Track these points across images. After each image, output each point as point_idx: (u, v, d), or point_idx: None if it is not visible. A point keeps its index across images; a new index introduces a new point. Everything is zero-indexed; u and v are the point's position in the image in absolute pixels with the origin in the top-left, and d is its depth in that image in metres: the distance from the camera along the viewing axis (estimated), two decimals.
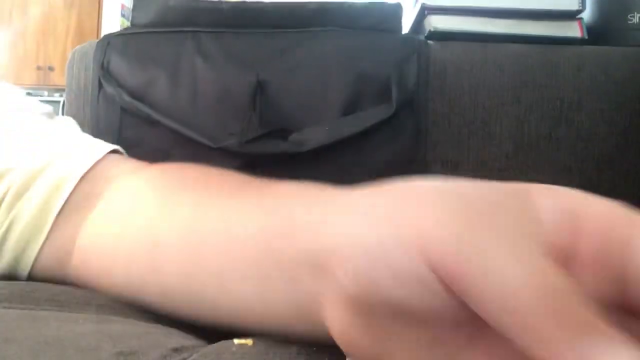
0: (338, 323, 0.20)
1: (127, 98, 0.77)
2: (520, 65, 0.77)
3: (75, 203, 0.34)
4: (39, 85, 4.01)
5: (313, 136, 0.73)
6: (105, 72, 0.80)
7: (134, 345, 0.28)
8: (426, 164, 0.75)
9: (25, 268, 0.35)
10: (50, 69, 3.97)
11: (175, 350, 0.29)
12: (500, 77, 0.77)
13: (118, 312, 0.36)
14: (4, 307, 0.34)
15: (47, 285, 0.40)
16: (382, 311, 0.17)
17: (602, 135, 0.74)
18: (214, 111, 0.76)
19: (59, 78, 3.68)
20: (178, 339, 0.31)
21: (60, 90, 3.55)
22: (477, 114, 0.76)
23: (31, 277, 0.37)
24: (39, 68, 4.00)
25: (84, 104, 0.83)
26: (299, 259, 0.22)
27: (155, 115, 0.75)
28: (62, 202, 0.34)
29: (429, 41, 0.80)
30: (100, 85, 0.81)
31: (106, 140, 0.78)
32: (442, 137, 0.76)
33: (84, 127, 0.85)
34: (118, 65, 0.80)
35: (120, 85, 0.79)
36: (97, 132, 0.80)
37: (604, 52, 0.78)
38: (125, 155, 0.44)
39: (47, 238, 0.34)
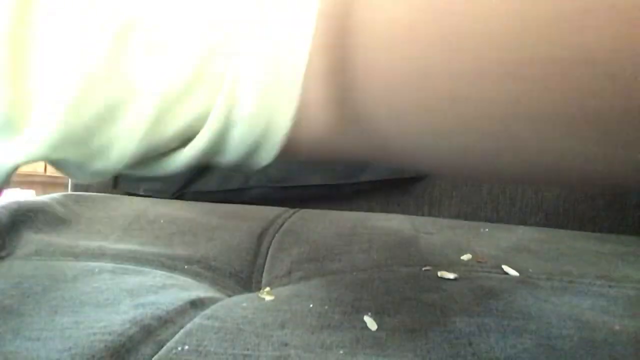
0: None
1: None
2: None
3: None
4: None
5: None
6: None
7: (152, 299, 0.28)
8: None
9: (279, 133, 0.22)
10: None
11: (193, 303, 0.29)
12: None
13: (133, 262, 0.36)
14: (21, 259, 0.35)
15: (62, 238, 0.41)
16: None
17: None
18: None
19: None
20: (197, 292, 0.32)
21: None
22: None
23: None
24: None
25: None
26: None
27: None
28: None
29: None
30: None
31: None
32: None
33: None
34: None
35: None
36: None
37: None
38: None
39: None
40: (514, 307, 0.29)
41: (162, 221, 0.46)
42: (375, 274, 0.33)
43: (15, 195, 1.11)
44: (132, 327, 0.24)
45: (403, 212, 0.69)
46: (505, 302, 0.30)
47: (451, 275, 0.34)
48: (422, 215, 0.71)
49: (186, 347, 0.23)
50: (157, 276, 0.33)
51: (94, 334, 0.23)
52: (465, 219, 0.68)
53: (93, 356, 0.22)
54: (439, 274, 0.34)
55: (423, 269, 0.36)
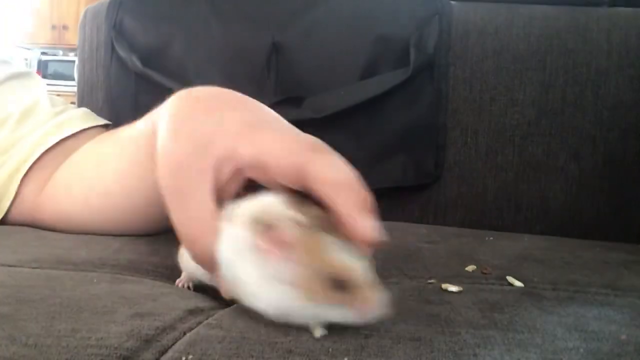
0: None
1: (139, 65, 0.75)
2: (548, 28, 0.73)
3: (41, 167, 0.49)
4: (54, 44, 3.99)
5: (329, 102, 0.71)
6: (117, 33, 0.78)
7: (150, 307, 0.28)
8: (444, 130, 0.73)
9: None
10: (65, 28, 3.94)
11: (191, 312, 0.29)
12: (525, 40, 0.73)
13: (132, 272, 0.36)
14: (19, 267, 0.35)
15: (63, 248, 0.40)
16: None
17: (629, 104, 0.71)
18: (228, 76, 0.75)
19: (74, 37, 3.65)
20: (195, 300, 0.31)
21: (74, 50, 3.51)
22: (500, 79, 0.73)
23: (4, 223, 0.49)
24: (53, 27, 3.97)
25: (96, 66, 0.81)
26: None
27: (168, 83, 0.73)
28: (27, 166, 0.49)
29: (452, 1, 0.77)
30: (112, 47, 0.79)
31: (121, 106, 0.78)
32: (462, 102, 0.73)
33: (96, 90, 0.86)
34: (131, 25, 0.78)
35: (133, 48, 0.76)
36: (110, 96, 0.75)
37: (637, 14, 0.74)
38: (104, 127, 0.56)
39: (16, 194, 0.49)
40: (518, 320, 0.29)
41: (163, 235, 0.46)
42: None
43: None
44: (129, 339, 0.24)
45: (408, 219, 0.69)
46: (510, 315, 0.30)
47: (455, 288, 0.34)
48: (428, 222, 0.71)
49: (190, 356, 0.23)
50: (156, 286, 0.33)
51: (91, 346, 0.23)
52: (470, 226, 0.68)
53: None
54: (444, 286, 0.34)
55: (428, 281, 0.36)
